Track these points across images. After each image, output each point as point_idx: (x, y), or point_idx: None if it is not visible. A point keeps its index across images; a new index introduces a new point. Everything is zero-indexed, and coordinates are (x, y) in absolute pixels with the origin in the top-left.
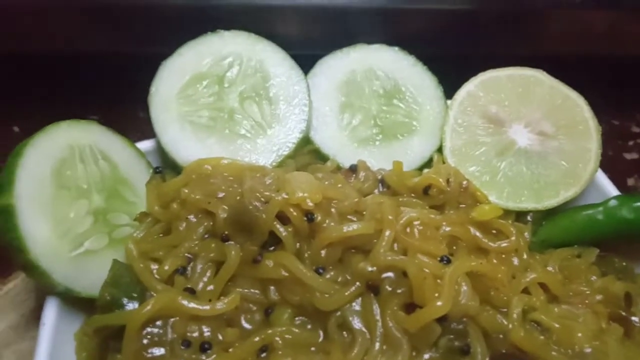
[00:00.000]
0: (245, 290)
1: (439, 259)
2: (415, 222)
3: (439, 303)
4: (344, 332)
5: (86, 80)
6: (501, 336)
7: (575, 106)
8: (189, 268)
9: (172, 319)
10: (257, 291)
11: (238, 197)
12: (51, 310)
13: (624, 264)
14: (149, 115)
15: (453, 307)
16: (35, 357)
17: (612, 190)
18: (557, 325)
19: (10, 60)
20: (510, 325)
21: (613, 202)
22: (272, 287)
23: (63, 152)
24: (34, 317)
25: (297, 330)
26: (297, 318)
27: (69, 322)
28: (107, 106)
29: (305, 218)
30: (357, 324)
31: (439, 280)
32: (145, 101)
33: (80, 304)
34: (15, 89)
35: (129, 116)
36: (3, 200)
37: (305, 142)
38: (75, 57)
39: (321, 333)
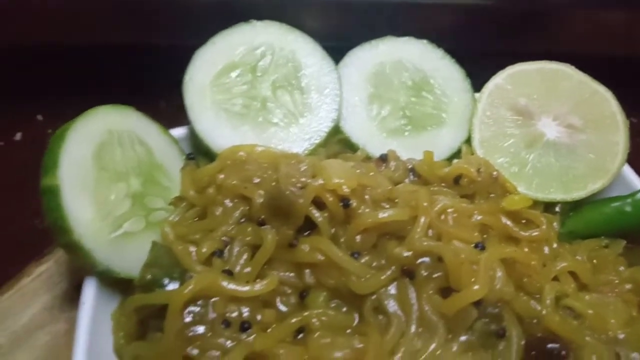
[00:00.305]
0: (281, 274)
1: (473, 245)
2: (449, 210)
3: (475, 287)
4: (380, 316)
5: (107, 70)
6: (535, 321)
7: (603, 100)
8: (226, 251)
9: (212, 299)
10: (292, 274)
11: (274, 183)
12: (90, 290)
13: None
14: (169, 106)
15: (488, 292)
16: (76, 335)
17: None
18: (590, 312)
19: (29, 52)
20: (544, 311)
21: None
22: (307, 271)
23: (102, 136)
24: (68, 298)
25: (332, 313)
26: (332, 301)
27: (106, 303)
28: (128, 97)
29: (341, 204)
30: (392, 307)
31: (474, 266)
32: (166, 92)
33: (117, 285)
34: (37, 80)
35: (150, 106)
36: (48, 180)
37: (335, 131)
38: (96, 48)
39: (356, 316)
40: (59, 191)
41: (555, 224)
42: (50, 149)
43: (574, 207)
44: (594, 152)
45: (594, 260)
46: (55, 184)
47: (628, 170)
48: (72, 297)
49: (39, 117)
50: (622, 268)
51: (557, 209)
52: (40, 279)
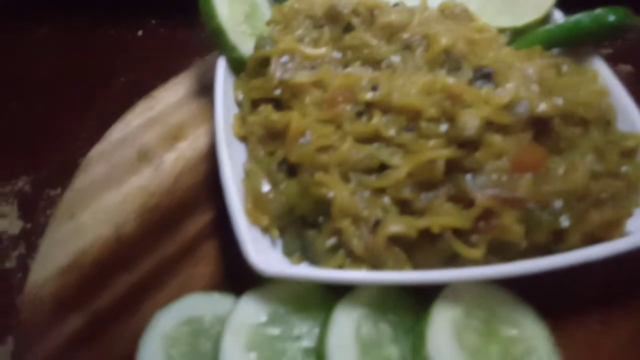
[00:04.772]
0: (333, 53)
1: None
2: (434, 16)
3: (444, 40)
4: (389, 69)
5: None
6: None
7: None
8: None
9: (294, 55)
10: (339, 54)
11: (329, 4)
12: (222, 63)
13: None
14: None
15: (452, 46)
16: (215, 90)
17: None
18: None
19: None
20: (486, 61)
21: (561, 19)
22: (349, 51)
23: None
24: (199, 93)
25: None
26: (363, 66)
27: (228, 78)
28: None
29: (369, 13)
30: (397, 63)
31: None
32: None
33: (235, 68)
34: None
35: None
36: None
37: None
38: None
39: None
40: None
41: (502, 39)
42: None
43: (520, 34)
44: None
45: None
46: None
47: (557, 11)
48: (200, 92)
49: (153, 21)
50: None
51: (506, 33)
52: (178, 85)
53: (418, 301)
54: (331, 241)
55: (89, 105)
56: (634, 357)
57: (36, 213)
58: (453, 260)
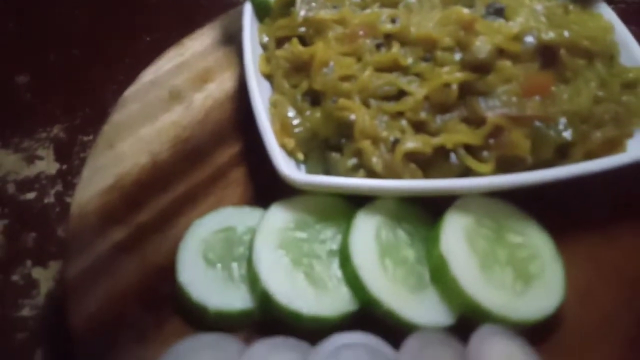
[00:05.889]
0: None
1: None
2: None
3: None
4: (406, 10)
5: None
6: None
7: None
8: None
9: None
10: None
11: None
12: (248, 7)
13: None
14: None
15: None
16: (243, 30)
17: None
18: None
19: None
20: None
21: None
22: None
23: None
24: (228, 40)
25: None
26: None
27: (254, 23)
28: None
29: None
30: (414, 2)
31: None
32: None
33: (260, 13)
34: None
35: None
36: None
37: None
38: None
39: None
40: None
41: None
42: None
43: None
44: None
45: None
46: None
47: None
48: (225, 42)
49: None
50: None
51: None
52: (203, 35)
53: (432, 217)
54: (352, 161)
55: (116, 61)
56: (637, 267)
57: (71, 156)
58: (464, 176)
